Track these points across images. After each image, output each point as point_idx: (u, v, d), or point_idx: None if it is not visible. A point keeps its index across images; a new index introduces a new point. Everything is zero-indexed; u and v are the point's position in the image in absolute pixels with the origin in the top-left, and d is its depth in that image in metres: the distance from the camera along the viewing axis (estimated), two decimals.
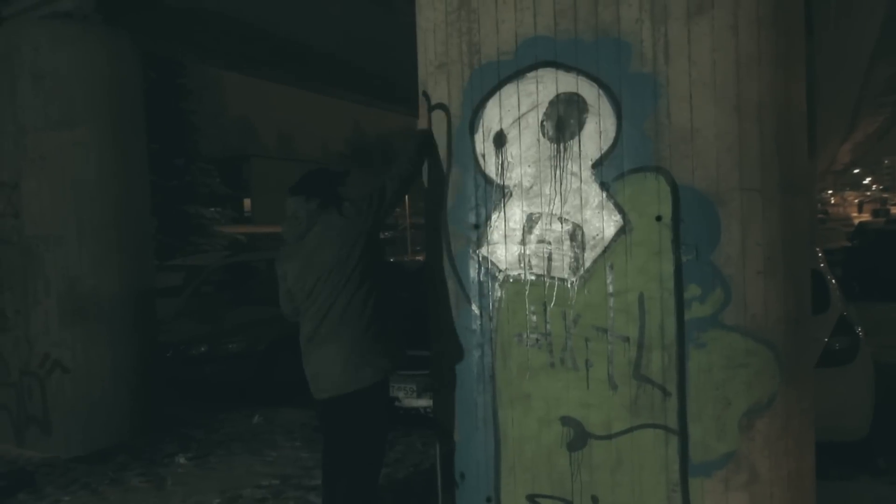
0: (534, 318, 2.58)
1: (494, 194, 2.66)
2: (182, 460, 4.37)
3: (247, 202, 37.66)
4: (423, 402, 4.63)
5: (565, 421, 2.55)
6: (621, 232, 2.44)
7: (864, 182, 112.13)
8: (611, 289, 2.46)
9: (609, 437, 2.46)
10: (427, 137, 2.89)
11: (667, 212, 2.38)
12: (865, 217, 48.74)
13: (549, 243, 2.60)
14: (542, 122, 2.59)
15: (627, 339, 2.44)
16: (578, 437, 2.53)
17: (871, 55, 11.95)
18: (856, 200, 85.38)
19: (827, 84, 12.93)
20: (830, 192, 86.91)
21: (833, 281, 4.35)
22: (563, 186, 2.54)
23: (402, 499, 3.66)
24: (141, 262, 5.32)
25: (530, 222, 2.59)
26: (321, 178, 2.96)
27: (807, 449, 2.47)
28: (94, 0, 5.06)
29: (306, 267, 2.79)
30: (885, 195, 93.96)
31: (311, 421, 5.23)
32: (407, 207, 33.54)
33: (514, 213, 2.61)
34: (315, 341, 2.79)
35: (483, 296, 2.69)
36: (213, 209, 23.18)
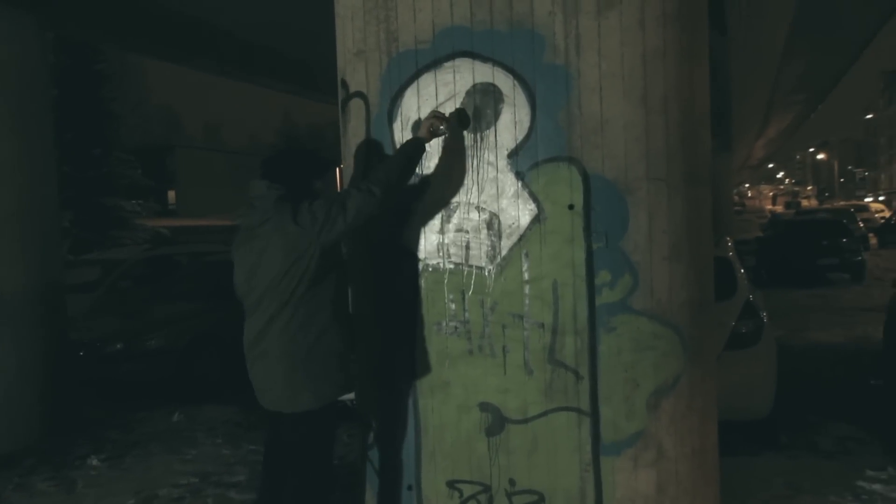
0: (452, 306, 2.60)
1: (413, 184, 2.66)
2: (95, 462, 4.18)
3: (171, 194, 36.27)
4: (349, 395, 4.60)
5: (483, 407, 2.58)
6: (536, 220, 2.49)
7: (778, 176, 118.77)
8: (526, 276, 2.51)
9: (525, 420, 2.52)
10: (416, 147, 2.52)
11: (578, 200, 2.45)
12: (779, 209, 51.65)
13: (467, 232, 2.62)
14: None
15: (542, 325, 2.50)
16: (496, 423, 2.57)
17: (782, 54, 12.63)
18: (770, 193, 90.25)
19: (741, 81, 13.58)
20: (747, 185, 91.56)
21: (740, 268, 4.58)
22: (480, 176, 2.56)
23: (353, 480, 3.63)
24: (48, 256, 5.03)
25: (448, 211, 2.61)
26: (293, 161, 2.63)
27: (710, 426, 2.60)
28: None
29: (255, 266, 2.48)
30: (797, 188, 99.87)
31: (234, 417, 5.11)
32: None
33: (433, 202, 2.62)
34: (256, 351, 2.53)
35: (402, 285, 2.69)
36: (134, 202, 22.23)
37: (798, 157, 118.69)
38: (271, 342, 2.48)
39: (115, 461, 4.19)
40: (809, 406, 5.10)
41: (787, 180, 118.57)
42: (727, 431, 3.94)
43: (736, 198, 59.82)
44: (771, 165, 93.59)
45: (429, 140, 2.54)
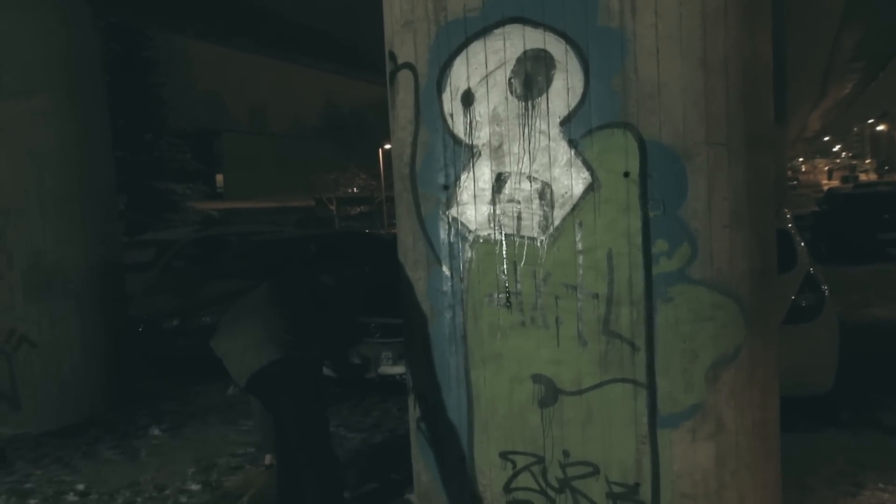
0: (504, 277, 2.57)
1: (463, 154, 2.63)
2: (156, 432, 4.34)
3: (219, 178, 37.11)
4: (399, 369, 4.64)
5: (536, 378, 2.56)
6: (590, 189, 2.44)
7: (834, 150, 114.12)
8: (580, 246, 2.46)
9: (579, 392, 2.49)
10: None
11: (634, 168, 2.38)
12: (835, 183, 49.64)
13: (519, 202, 2.58)
14: (509, 79, 2.56)
15: (596, 296, 2.45)
16: (549, 394, 2.55)
17: (840, 21, 12.06)
18: (826, 167, 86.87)
19: (796, 50, 13.03)
20: (801, 159, 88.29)
21: (800, 240, 4.42)
22: (532, 145, 2.51)
23: (378, 462, 3.69)
24: (107, 236, 5.21)
25: (499, 182, 2.57)
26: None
27: (771, 399, 2.53)
28: None
29: None
30: (854, 162, 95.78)
31: None
32: (382, 180, 33.36)
33: (483, 173, 2.59)
34: None
35: (454, 257, 2.67)
36: (185, 185, 22.82)
37: (855, 129, 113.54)
38: None
39: (175, 431, 4.34)
40: (871, 383, 4.92)
41: (843, 154, 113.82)
42: (787, 407, 3.85)
43: (790, 172, 57.87)
44: (827, 138, 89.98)
45: None
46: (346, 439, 4.03)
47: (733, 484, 2.40)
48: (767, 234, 2.55)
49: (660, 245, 2.37)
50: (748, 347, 2.40)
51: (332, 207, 36.63)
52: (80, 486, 3.58)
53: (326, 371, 5.29)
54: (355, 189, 41.48)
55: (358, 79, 12.86)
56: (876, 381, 4.98)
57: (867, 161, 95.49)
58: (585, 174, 2.45)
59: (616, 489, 2.47)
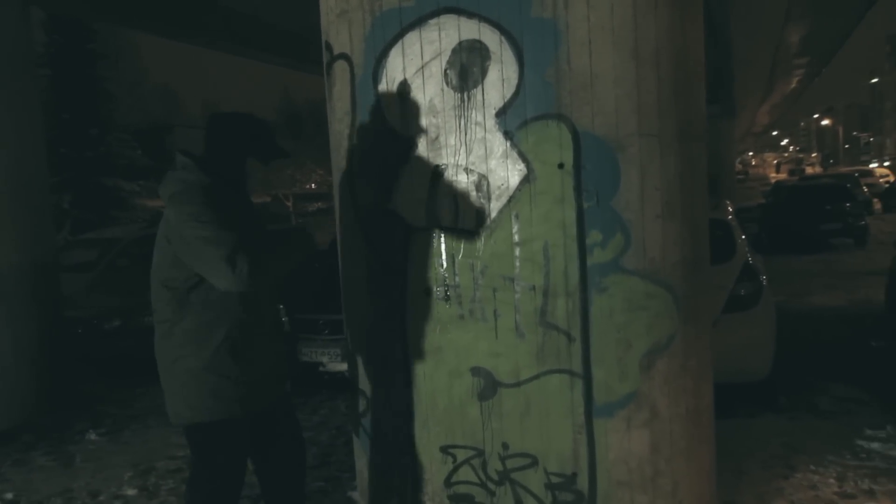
0: (442, 271, 2.55)
1: (400, 147, 2.60)
2: (93, 437, 4.19)
3: None
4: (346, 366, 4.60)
5: (475, 371, 2.55)
6: (525, 181, 2.43)
7: (782, 143, 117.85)
8: (516, 238, 2.46)
9: (517, 384, 2.49)
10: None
11: (568, 159, 2.38)
12: (783, 176, 51.20)
13: (456, 195, 2.56)
14: (445, 70, 2.53)
15: (533, 288, 2.45)
16: (488, 387, 2.54)
17: (784, 17, 12.39)
18: (774, 161, 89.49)
19: (743, 45, 13.35)
20: (751, 153, 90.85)
21: (740, 231, 4.52)
22: (468, 137, 2.50)
23: (323, 461, 3.64)
24: (39, 236, 4.99)
25: (437, 174, 2.55)
26: (218, 130, 2.46)
27: (705, 386, 2.57)
28: None
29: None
30: (801, 156, 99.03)
31: None
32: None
33: (420, 166, 2.56)
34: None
35: (392, 251, 2.64)
36: (139, 182, 22.17)
37: (802, 123, 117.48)
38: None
39: (113, 435, 4.21)
40: (810, 368, 5.08)
41: (791, 147, 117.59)
42: (727, 394, 3.94)
43: (739, 166, 59.44)
44: (775, 133, 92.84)
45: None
46: None
47: (668, 470, 2.44)
48: (700, 224, 2.59)
49: (594, 236, 2.39)
50: (681, 336, 2.43)
51: (289, 204, 36.10)
52: (9, 496, 3.43)
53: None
54: (313, 185, 40.96)
55: (311, 72, 12.68)
56: (813, 367, 5.15)
57: (813, 155, 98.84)
58: (521, 166, 2.44)
59: (554, 479, 2.48)
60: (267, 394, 2.43)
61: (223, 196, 2.22)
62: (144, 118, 37.23)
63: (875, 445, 3.33)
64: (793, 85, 23.20)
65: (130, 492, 3.29)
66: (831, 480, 2.97)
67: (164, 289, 2.23)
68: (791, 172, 56.18)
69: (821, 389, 4.56)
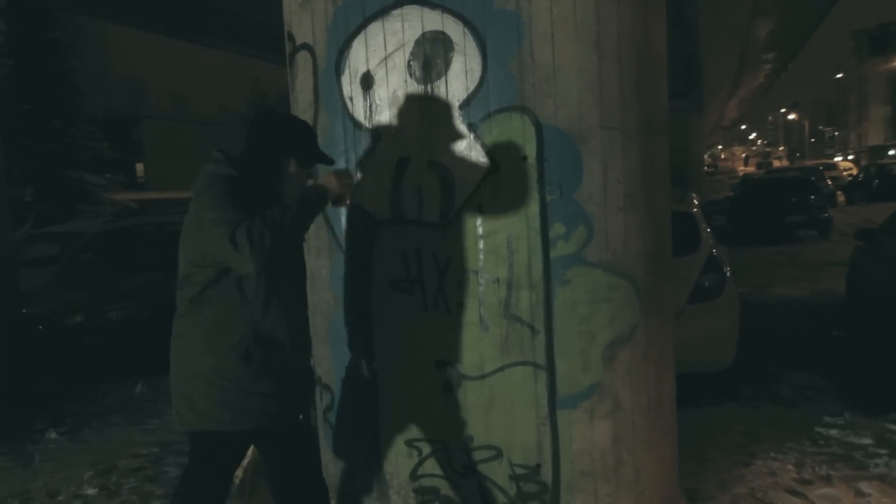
0: (406, 263, 2.54)
1: (364, 139, 2.58)
2: (53, 435, 4.09)
3: (140, 167, 35.45)
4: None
5: (440, 365, 2.55)
6: (489, 173, 2.43)
7: (751, 137, 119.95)
8: (480, 231, 2.46)
9: (482, 377, 2.49)
10: (320, 198, 2.16)
11: (532, 152, 2.39)
12: (751, 169, 52.13)
13: (420, 187, 2.55)
14: (409, 62, 2.52)
15: (497, 280, 2.45)
16: (453, 380, 2.54)
17: (752, 11, 12.57)
18: (743, 154, 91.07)
19: (711, 39, 13.52)
20: (720, 146, 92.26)
21: (705, 223, 4.58)
22: (432, 129, 2.48)
23: None
24: None
25: (400, 167, 2.53)
26: (262, 131, 2.26)
27: (667, 377, 2.60)
28: None
29: None
30: (769, 149, 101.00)
31: None
32: None
33: (384, 158, 2.54)
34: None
35: (356, 244, 2.62)
36: (104, 175, 21.68)
37: (770, 118, 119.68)
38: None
39: (74, 434, 4.12)
40: (772, 358, 5.19)
41: (759, 141, 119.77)
42: (691, 383, 4.01)
43: (709, 159, 60.33)
44: (744, 127, 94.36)
45: (333, 199, 2.21)
46: None
47: (630, 460, 2.46)
48: (662, 216, 2.61)
49: (557, 228, 2.39)
50: (643, 327, 2.45)
51: None
52: None
53: None
54: None
55: (281, 64, 12.53)
56: (776, 356, 5.26)
57: (780, 148, 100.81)
58: (484, 158, 2.44)
59: (518, 471, 2.49)
60: (283, 411, 2.20)
61: (246, 188, 2.09)
62: (112, 110, 36.49)
63: (833, 432, 3.41)
64: (760, 80, 23.60)
65: (90, 491, 3.22)
66: (790, 467, 3.04)
67: (186, 284, 2.14)
68: (759, 166, 57.31)
69: (782, 378, 4.66)
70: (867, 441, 3.28)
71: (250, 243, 1.89)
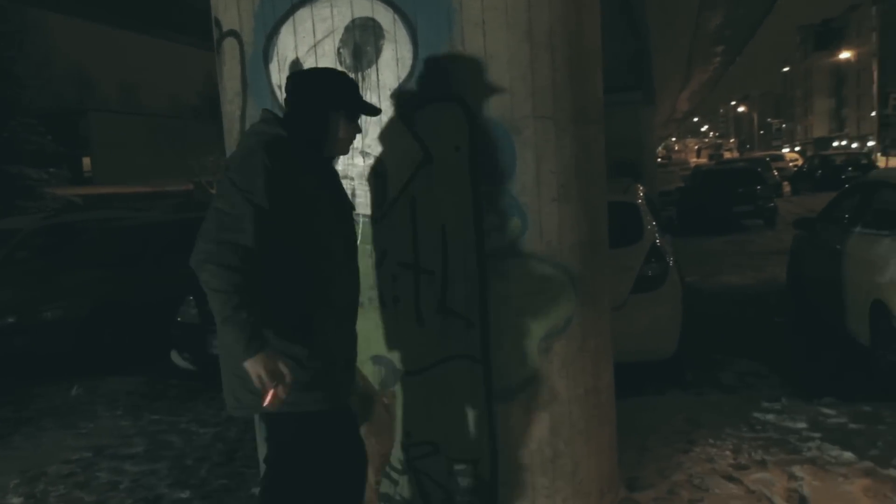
0: None
1: None
2: None
3: (86, 161, 34.26)
4: None
5: (377, 360, 2.50)
6: (422, 164, 2.38)
7: (703, 129, 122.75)
8: (414, 223, 2.41)
9: (419, 371, 2.45)
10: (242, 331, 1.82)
11: (464, 142, 2.35)
12: (703, 161, 53.28)
13: (353, 179, 2.49)
14: (338, 49, 2.45)
15: (432, 273, 2.41)
16: (390, 376, 2.50)
17: (700, 4, 12.77)
18: (695, 146, 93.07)
19: (661, 33, 13.70)
20: (674, 138, 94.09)
21: (648, 214, 4.62)
22: (364, 118, 2.41)
23: (231, 455, 3.52)
24: None
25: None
26: (306, 83, 2.10)
27: (604, 367, 2.60)
28: None
29: None
30: (720, 141, 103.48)
31: (139, 388, 4.89)
32: None
33: None
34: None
35: None
36: (49, 170, 20.90)
37: (721, 110, 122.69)
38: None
39: (3, 440, 3.92)
40: (716, 345, 5.29)
41: (711, 133, 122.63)
42: (637, 372, 4.05)
43: (663, 151, 61.47)
44: (696, 119, 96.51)
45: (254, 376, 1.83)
46: (198, 435, 3.81)
47: (567, 452, 2.45)
48: (598, 206, 2.60)
49: (491, 220, 2.36)
50: (579, 318, 2.44)
51: (213, 191, 34.87)
52: None
53: (185, 363, 5.01)
54: None
55: None
56: (720, 344, 5.36)
57: (731, 140, 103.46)
58: (417, 149, 2.39)
59: (457, 466, 2.46)
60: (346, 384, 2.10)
61: (294, 154, 1.93)
62: (57, 102, 35.15)
63: (770, 417, 3.48)
64: (710, 73, 24.05)
65: (15, 500, 3.06)
66: (727, 453, 3.08)
67: None
68: (711, 157, 58.64)
69: (726, 365, 4.75)
70: (802, 425, 3.35)
71: (206, 260, 1.78)
